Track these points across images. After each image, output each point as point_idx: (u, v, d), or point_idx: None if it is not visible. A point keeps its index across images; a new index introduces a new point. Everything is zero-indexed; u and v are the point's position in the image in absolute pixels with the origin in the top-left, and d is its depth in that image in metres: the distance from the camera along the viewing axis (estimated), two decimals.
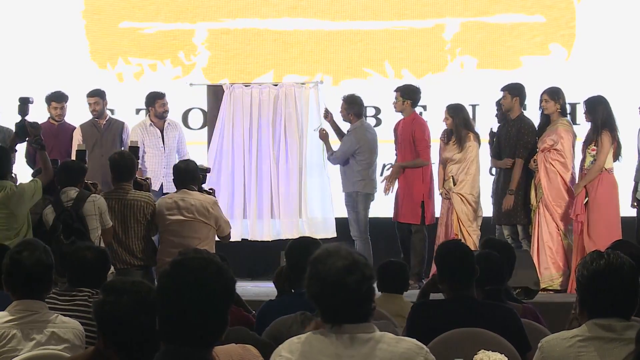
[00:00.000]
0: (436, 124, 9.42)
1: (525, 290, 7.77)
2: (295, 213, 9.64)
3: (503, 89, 8.92)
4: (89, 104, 9.44)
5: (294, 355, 3.09)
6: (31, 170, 8.43)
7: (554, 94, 8.70)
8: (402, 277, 6.14)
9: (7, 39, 10.54)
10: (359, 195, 9.17)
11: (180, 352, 2.76)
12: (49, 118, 9.36)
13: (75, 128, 9.46)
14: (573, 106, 9.77)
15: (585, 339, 3.43)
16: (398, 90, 9.16)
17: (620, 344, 3.05)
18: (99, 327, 3.17)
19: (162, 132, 9.38)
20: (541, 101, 8.75)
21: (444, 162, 9.04)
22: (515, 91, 8.86)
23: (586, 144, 8.52)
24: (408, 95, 9.10)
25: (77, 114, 9.62)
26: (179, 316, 2.74)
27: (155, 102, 9.36)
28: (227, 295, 2.79)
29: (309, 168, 9.68)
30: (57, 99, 9.38)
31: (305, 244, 4.77)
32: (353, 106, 9.22)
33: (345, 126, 9.41)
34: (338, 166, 9.34)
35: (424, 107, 10.08)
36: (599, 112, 8.45)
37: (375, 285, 3.19)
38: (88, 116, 9.49)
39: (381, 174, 9.72)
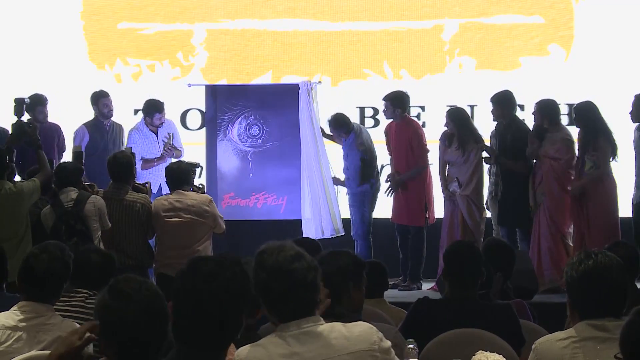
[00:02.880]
0: (435, 125, 9.40)
1: (524, 290, 7.75)
2: (303, 213, 9.61)
3: (491, 100, 8.86)
4: (105, 104, 9.39)
5: None
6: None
7: (540, 108, 8.65)
8: (378, 280, 5.50)
9: (6, 40, 10.52)
10: (366, 195, 9.18)
11: (193, 355, 2.77)
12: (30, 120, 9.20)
13: (56, 126, 9.37)
14: (572, 107, 9.76)
15: (579, 339, 3.43)
16: (387, 99, 9.10)
17: (614, 343, 3.04)
18: (101, 329, 3.14)
19: (157, 135, 9.35)
20: None
21: (445, 165, 9.02)
22: (503, 101, 8.78)
23: (583, 149, 8.49)
24: (397, 104, 9.06)
25: (77, 115, 9.60)
26: (193, 319, 2.76)
27: (153, 115, 9.30)
28: (242, 299, 2.80)
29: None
30: (42, 103, 9.20)
31: (305, 245, 4.77)
32: (341, 127, 9.22)
33: None
34: (342, 167, 9.35)
35: (422, 108, 10.08)
36: (590, 118, 8.45)
37: (319, 279, 3.18)
38: (86, 117, 9.45)
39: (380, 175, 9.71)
